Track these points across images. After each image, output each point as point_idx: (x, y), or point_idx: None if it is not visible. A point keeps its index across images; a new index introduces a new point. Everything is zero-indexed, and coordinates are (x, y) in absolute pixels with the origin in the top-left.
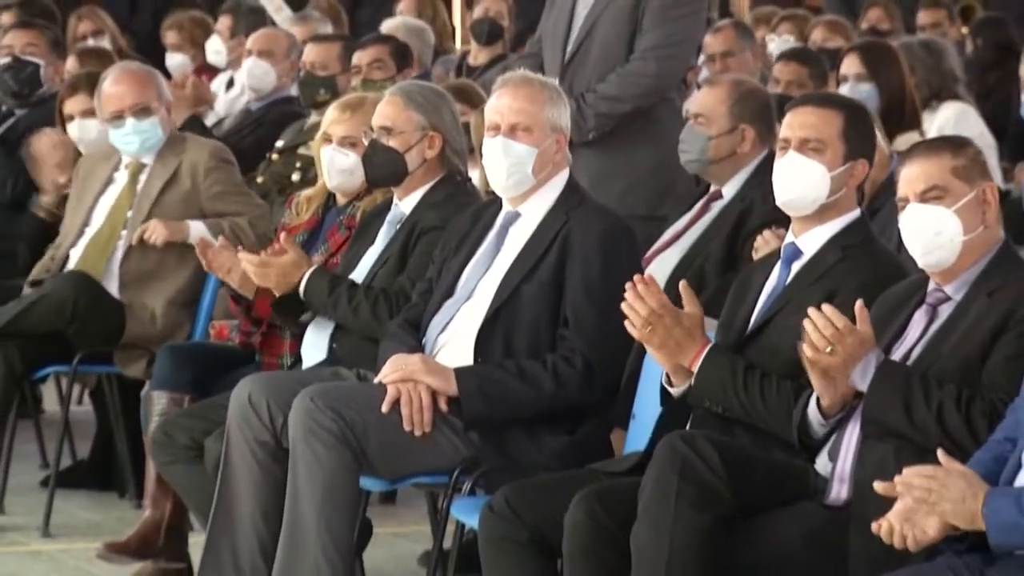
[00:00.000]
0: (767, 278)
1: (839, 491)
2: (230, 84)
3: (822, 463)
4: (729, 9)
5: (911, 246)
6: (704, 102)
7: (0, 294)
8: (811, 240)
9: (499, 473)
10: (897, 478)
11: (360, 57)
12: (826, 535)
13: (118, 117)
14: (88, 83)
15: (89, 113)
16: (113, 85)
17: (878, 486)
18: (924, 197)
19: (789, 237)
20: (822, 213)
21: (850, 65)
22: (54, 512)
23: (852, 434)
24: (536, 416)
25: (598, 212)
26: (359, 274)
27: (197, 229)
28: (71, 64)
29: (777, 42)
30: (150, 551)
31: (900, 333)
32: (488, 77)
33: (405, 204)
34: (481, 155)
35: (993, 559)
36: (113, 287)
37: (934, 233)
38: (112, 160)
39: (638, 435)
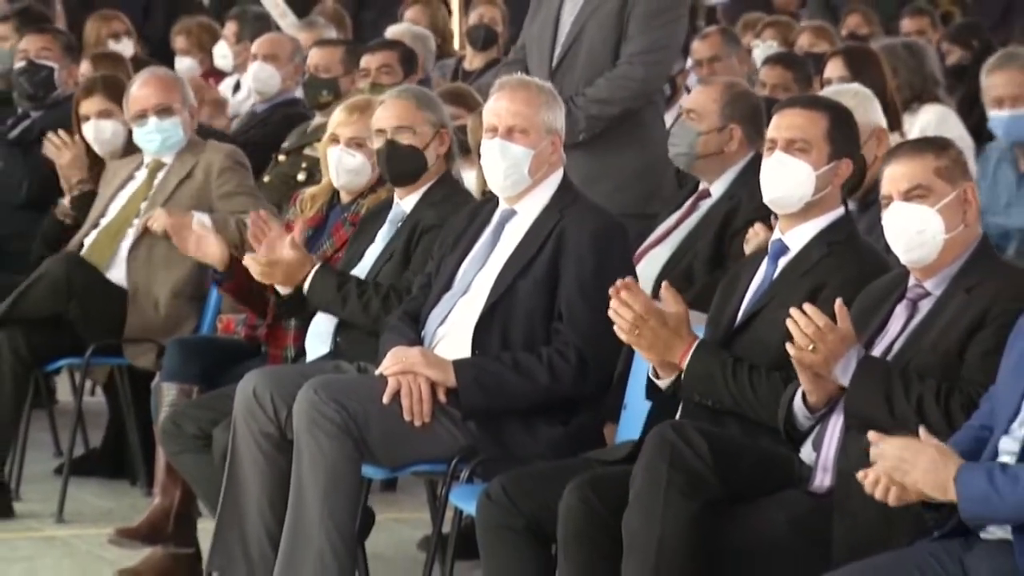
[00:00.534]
0: (755, 274)
1: (822, 479)
2: (236, 87)
3: (806, 452)
4: (715, 17)
5: (894, 243)
6: (697, 99)
7: (13, 290)
8: (797, 236)
9: (496, 462)
10: (872, 449)
11: (369, 61)
12: (810, 521)
13: (141, 116)
14: (104, 85)
15: (104, 114)
16: (140, 87)
17: (861, 475)
18: (908, 196)
19: (776, 234)
20: (807, 210)
21: (834, 68)
22: (68, 499)
23: (835, 425)
24: (532, 407)
25: (591, 211)
26: (362, 270)
27: (200, 220)
28: (86, 67)
29: (762, 47)
30: (160, 537)
31: (882, 327)
32: (483, 81)
33: (406, 203)
34: (479, 156)
35: (971, 544)
36: (120, 274)
37: (917, 231)
38: (135, 161)
39: (629, 425)
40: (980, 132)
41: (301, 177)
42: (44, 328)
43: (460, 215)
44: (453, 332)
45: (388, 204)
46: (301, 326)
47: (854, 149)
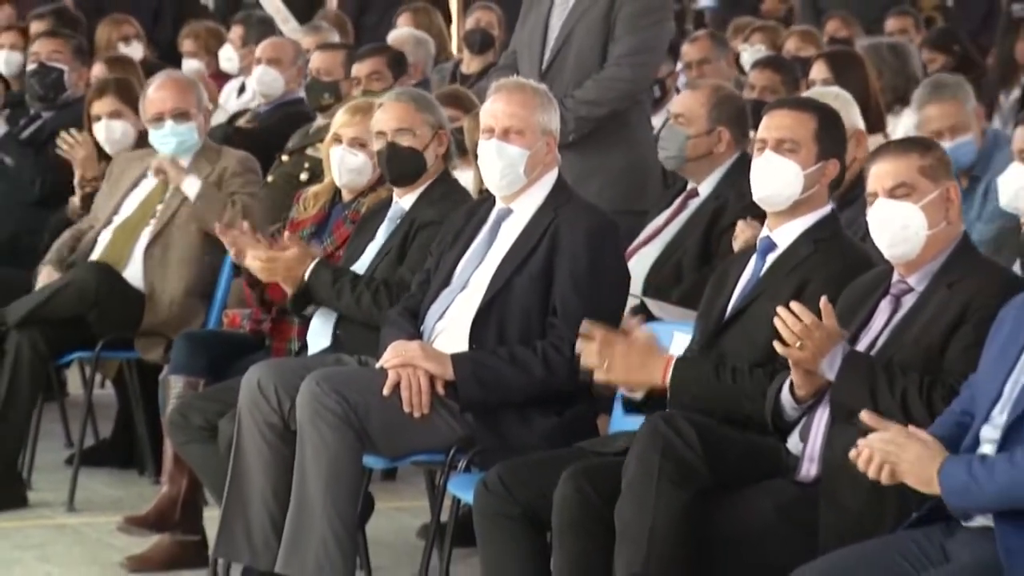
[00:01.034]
0: (743, 269)
1: (809, 469)
2: (241, 89)
3: (793, 443)
4: (704, 21)
5: (878, 238)
6: (685, 104)
7: (25, 285)
8: (785, 234)
9: (493, 452)
10: (861, 440)
11: (359, 69)
12: (797, 510)
13: (158, 119)
14: (116, 87)
15: (115, 115)
16: (157, 90)
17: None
18: (893, 193)
19: (764, 231)
20: (795, 208)
21: (818, 71)
22: (78, 488)
23: (821, 417)
24: (527, 399)
25: (585, 209)
26: (361, 266)
27: (191, 183)
28: (99, 70)
29: (750, 51)
30: (167, 524)
31: (866, 322)
32: (482, 85)
33: (405, 201)
34: (475, 156)
35: (953, 531)
36: (136, 272)
37: (901, 227)
38: (146, 161)
39: (622, 416)
40: None
41: (304, 177)
42: (60, 325)
43: (458, 213)
44: (451, 327)
45: (388, 202)
46: (304, 321)
47: (841, 150)
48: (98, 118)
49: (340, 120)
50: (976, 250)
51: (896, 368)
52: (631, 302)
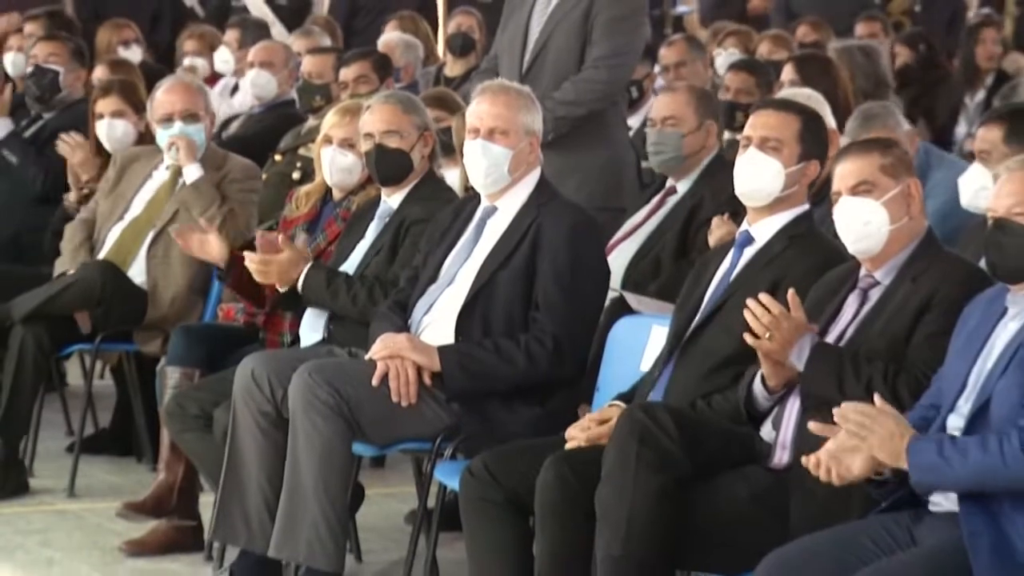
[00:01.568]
0: (721, 263)
1: (781, 456)
2: (234, 90)
3: (766, 431)
4: (682, 25)
5: (843, 234)
6: (671, 106)
7: (28, 281)
8: (763, 229)
9: (478, 440)
10: (835, 409)
11: (345, 74)
12: (770, 495)
13: (167, 119)
14: (120, 88)
15: (117, 114)
16: (166, 92)
17: (813, 426)
18: (855, 190)
19: (744, 225)
20: (774, 205)
21: (787, 74)
22: (79, 475)
23: (793, 406)
24: (511, 389)
25: (567, 207)
26: (352, 262)
27: (193, 171)
28: (101, 72)
29: (724, 55)
30: (164, 510)
31: (835, 315)
32: (466, 87)
33: (393, 200)
34: (462, 155)
35: (920, 516)
36: (141, 270)
37: (863, 223)
38: (152, 160)
39: (602, 405)
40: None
41: (296, 176)
42: (63, 320)
43: (445, 212)
44: (438, 320)
45: (377, 201)
46: (296, 314)
47: (823, 152)
48: (101, 116)
49: (330, 121)
50: (939, 244)
51: (862, 357)
52: (611, 295)
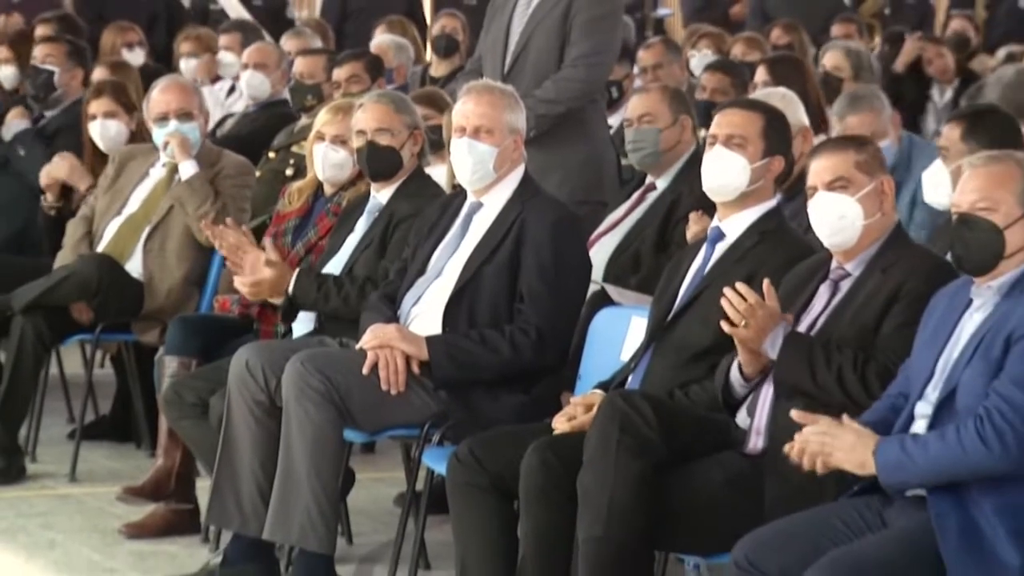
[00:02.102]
0: (695, 258)
1: (756, 442)
2: (231, 91)
3: (741, 418)
4: (662, 28)
5: (818, 228)
6: (646, 105)
7: (29, 272)
8: (733, 224)
9: (464, 426)
10: (797, 435)
11: (338, 74)
12: (745, 480)
13: (163, 118)
14: (111, 89)
15: (110, 115)
16: (162, 92)
17: (796, 414)
18: (831, 186)
19: (715, 221)
20: (743, 200)
21: (760, 75)
22: (79, 461)
23: (767, 394)
24: (496, 378)
25: (550, 203)
26: (342, 257)
27: (189, 167)
28: (100, 73)
29: (698, 57)
30: (162, 494)
31: (806, 305)
32: (451, 87)
33: (382, 195)
34: (450, 152)
35: (891, 500)
36: (138, 263)
37: (838, 217)
38: (149, 158)
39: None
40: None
41: (289, 172)
42: (62, 311)
43: (433, 207)
44: (426, 311)
45: (366, 197)
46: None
47: (786, 148)
48: (94, 117)
49: (323, 119)
50: (908, 238)
51: (833, 346)
52: (592, 288)
